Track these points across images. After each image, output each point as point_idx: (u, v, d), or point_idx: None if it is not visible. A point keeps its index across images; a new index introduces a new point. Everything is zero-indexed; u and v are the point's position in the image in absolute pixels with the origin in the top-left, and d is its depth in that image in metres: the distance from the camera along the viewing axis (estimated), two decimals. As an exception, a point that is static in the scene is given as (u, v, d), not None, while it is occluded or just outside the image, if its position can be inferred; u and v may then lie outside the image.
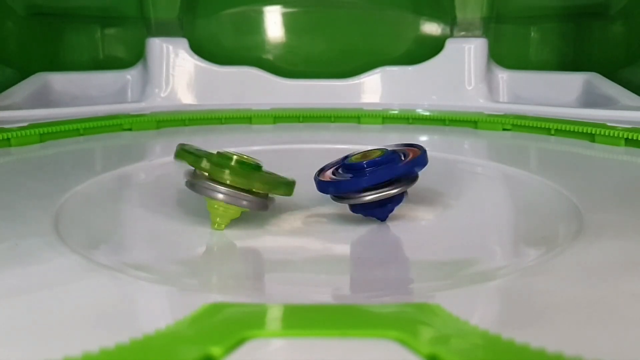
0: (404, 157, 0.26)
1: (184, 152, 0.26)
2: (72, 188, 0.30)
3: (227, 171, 0.25)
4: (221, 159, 0.26)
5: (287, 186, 0.26)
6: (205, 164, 0.25)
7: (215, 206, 0.25)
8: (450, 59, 0.62)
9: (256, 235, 0.26)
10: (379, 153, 0.26)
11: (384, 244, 0.26)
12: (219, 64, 0.62)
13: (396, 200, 0.26)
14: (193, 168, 0.26)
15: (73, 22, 0.68)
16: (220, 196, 0.25)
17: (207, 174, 0.25)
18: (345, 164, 0.27)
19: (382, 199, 0.25)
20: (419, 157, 0.26)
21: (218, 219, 0.26)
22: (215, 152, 0.27)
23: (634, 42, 0.60)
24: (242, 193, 0.25)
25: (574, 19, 0.68)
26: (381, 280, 0.22)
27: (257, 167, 0.26)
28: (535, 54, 0.70)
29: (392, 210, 0.27)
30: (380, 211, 0.26)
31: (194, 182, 0.25)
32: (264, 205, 0.26)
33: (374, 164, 0.25)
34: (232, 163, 0.25)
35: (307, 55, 0.69)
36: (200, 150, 0.27)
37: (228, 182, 0.25)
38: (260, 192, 0.26)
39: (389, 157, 0.26)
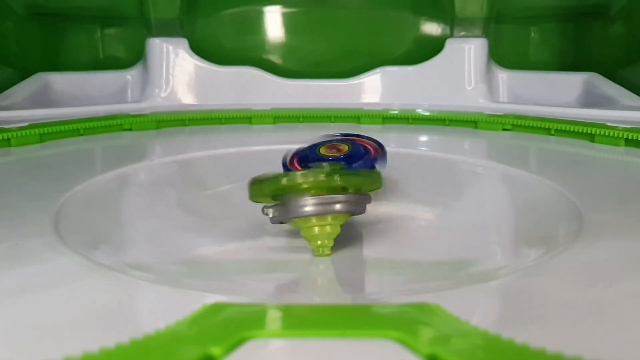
0: (365, 150, 0.26)
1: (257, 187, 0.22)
2: (72, 188, 0.30)
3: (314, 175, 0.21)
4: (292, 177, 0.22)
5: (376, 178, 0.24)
6: (285, 180, 0.21)
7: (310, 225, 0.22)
8: (450, 59, 0.62)
9: (256, 236, 0.26)
10: (346, 148, 0.26)
11: (384, 244, 0.26)
12: (219, 64, 0.62)
13: None
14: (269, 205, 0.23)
15: (73, 22, 0.68)
16: (310, 208, 0.21)
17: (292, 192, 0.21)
18: (316, 156, 0.26)
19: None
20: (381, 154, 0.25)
21: (319, 241, 0.22)
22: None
23: (634, 42, 0.60)
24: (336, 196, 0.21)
25: (574, 19, 0.68)
26: (381, 280, 0.22)
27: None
28: (535, 54, 0.70)
29: None
30: None
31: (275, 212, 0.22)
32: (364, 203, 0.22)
33: (348, 157, 0.25)
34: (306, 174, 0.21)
35: (307, 55, 0.69)
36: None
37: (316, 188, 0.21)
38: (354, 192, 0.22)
39: (357, 150, 0.26)
